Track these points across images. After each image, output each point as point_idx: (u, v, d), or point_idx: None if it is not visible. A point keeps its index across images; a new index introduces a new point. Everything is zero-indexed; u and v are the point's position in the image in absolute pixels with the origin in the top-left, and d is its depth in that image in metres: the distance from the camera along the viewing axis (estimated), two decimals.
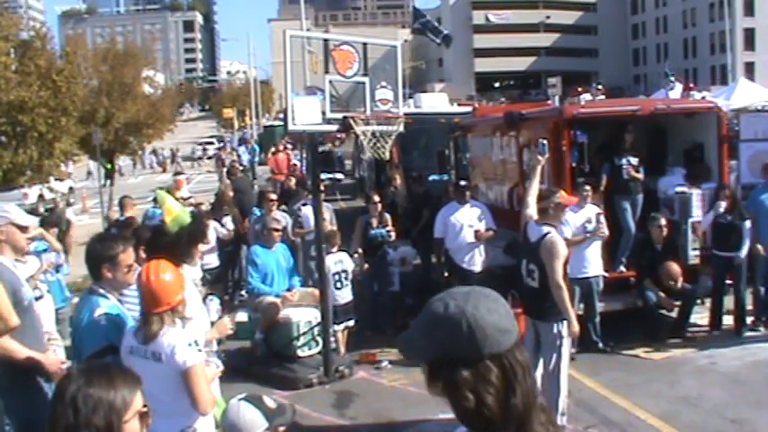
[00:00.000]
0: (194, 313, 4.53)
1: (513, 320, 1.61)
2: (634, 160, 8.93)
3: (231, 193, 12.54)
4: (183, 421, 3.56)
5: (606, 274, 8.52)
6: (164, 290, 3.64)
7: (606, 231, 8.33)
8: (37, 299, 5.18)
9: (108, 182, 23.47)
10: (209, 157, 50.34)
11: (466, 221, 8.98)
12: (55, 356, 4.42)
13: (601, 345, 8.23)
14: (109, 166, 23.16)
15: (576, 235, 8.07)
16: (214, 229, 10.60)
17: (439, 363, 1.56)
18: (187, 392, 3.51)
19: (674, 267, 8.50)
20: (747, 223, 8.58)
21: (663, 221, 8.64)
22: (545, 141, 6.86)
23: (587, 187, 8.41)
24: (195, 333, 3.76)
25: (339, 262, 8.55)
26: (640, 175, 8.94)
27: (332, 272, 8.39)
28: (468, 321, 1.54)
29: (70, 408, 1.91)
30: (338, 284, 8.48)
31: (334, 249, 8.61)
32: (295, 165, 23.58)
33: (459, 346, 1.54)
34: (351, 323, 8.64)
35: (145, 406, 2.03)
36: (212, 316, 5.21)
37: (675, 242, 8.75)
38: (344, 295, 8.53)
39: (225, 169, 25.31)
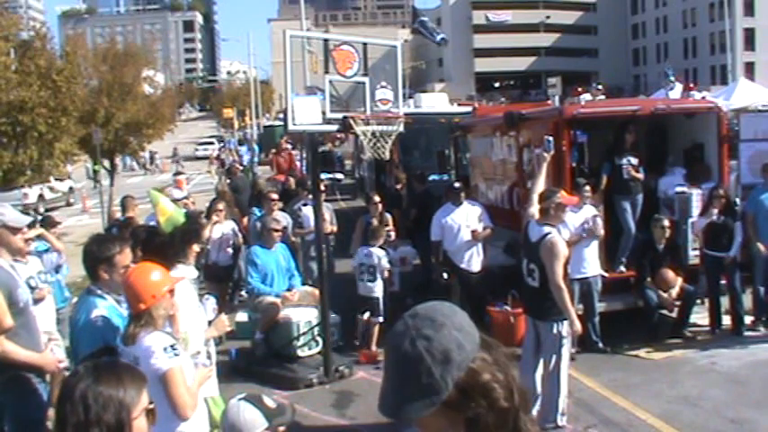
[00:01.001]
0: (191, 312, 4.52)
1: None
2: (634, 160, 8.91)
3: (230, 192, 12.53)
4: (171, 426, 3.45)
5: (605, 274, 8.51)
6: (140, 289, 3.56)
7: (602, 232, 8.31)
8: (37, 300, 5.18)
9: (97, 182, 23.40)
10: (184, 158, 49.30)
11: (463, 222, 8.97)
12: (52, 355, 4.41)
13: (601, 345, 8.22)
14: (96, 167, 23.08)
15: (575, 235, 8.05)
16: (232, 230, 10.59)
17: (458, 388, 1.47)
18: (166, 397, 3.43)
19: (669, 274, 8.48)
20: (738, 224, 8.59)
21: (666, 223, 8.62)
22: (551, 138, 6.83)
23: (587, 188, 8.41)
24: (173, 338, 3.66)
25: (367, 255, 8.73)
26: (640, 175, 8.92)
27: (358, 263, 8.81)
28: (460, 328, 1.50)
29: (80, 405, 1.91)
30: (362, 277, 8.74)
31: (376, 243, 8.84)
32: (295, 165, 23.59)
33: (468, 356, 1.47)
34: (379, 319, 8.61)
35: (151, 403, 2.04)
36: (209, 315, 5.21)
37: (676, 242, 8.75)
38: (366, 289, 8.71)
39: (224, 169, 25.33)
